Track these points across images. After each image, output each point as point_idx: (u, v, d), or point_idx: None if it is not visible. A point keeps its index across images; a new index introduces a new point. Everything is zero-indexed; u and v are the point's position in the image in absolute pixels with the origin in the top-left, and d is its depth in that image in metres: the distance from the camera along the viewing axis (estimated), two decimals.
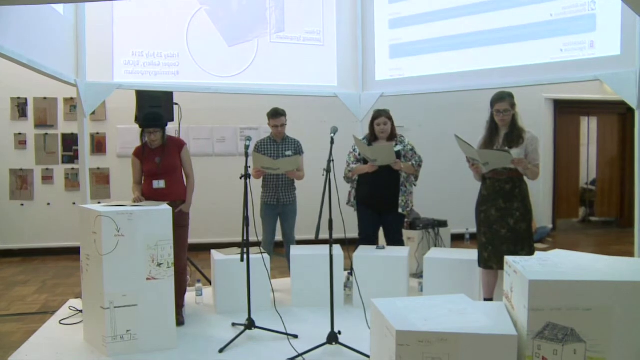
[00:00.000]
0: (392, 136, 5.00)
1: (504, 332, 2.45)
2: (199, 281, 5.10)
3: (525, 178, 4.15)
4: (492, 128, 4.23)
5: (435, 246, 6.16)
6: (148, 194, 4.44)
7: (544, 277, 2.43)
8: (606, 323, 2.39)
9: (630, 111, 4.63)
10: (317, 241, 3.78)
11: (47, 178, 7.57)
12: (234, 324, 4.36)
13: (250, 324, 4.09)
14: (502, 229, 4.11)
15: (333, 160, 3.76)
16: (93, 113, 5.39)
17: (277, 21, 5.78)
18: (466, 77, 5.48)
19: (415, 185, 5.07)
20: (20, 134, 7.50)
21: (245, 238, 4.05)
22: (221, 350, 3.83)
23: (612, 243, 8.34)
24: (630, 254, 4.58)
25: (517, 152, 4.04)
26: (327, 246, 3.79)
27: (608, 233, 9.42)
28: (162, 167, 4.43)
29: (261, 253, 4.51)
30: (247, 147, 4.23)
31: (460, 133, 4.06)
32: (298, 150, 5.23)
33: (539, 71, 5.08)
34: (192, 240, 4.74)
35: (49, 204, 7.58)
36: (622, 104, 4.99)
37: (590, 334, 2.40)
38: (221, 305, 4.71)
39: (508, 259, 2.75)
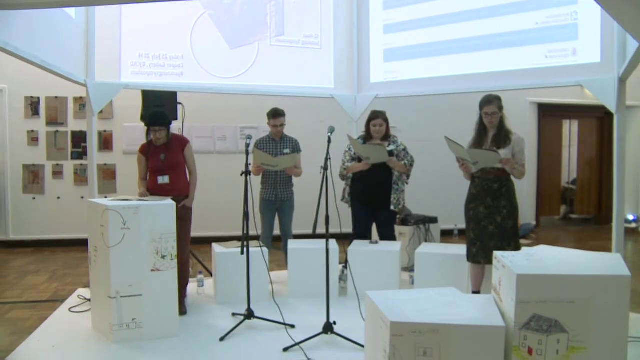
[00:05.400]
0: (387, 136, 4.97)
1: (492, 323, 2.43)
2: (200, 273, 5.06)
3: (512, 177, 4.14)
4: (481, 129, 4.21)
5: (426, 241, 6.14)
6: (153, 189, 4.41)
7: (531, 272, 2.42)
8: (587, 314, 2.39)
9: (608, 115, 4.64)
10: (313, 235, 3.76)
11: (58, 173, 7.52)
12: (233, 314, 4.33)
13: (250, 314, 4.06)
14: (489, 225, 4.10)
15: (330, 159, 3.73)
16: (101, 112, 5.36)
17: (277, 25, 5.75)
18: (456, 81, 5.45)
19: (407, 184, 5.04)
20: (32, 131, 7.46)
21: (245, 232, 4.02)
22: (222, 339, 3.81)
23: (590, 239, 8.35)
24: (606, 249, 4.59)
25: (505, 152, 4.02)
26: (323, 240, 3.77)
27: (586, 229, 9.44)
28: (166, 163, 4.40)
29: (260, 246, 4.48)
30: (247, 146, 4.19)
31: (450, 134, 4.04)
32: (296, 149, 5.20)
33: (524, 76, 5.06)
34: (194, 233, 4.70)
35: (59, 197, 7.54)
36: (601, 108, 5.00)
37: (573, 325, 2.39)
38: (221, 296, 4.68)
39: (497, 254, 2.73)
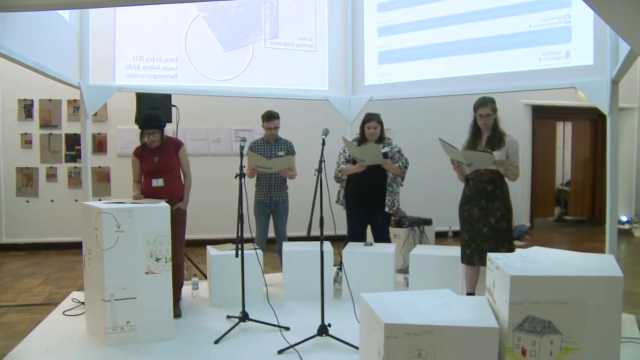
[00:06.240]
0: (381, 139, 4.98)
1: (486, 324, 2.44)
2: (195, 275, 5.06)
3: (505, 179, 4.15)
4: (475, 131, 4.22)
5: (421, 243, 6.14)
6: (147, 192, 4.41)
7: (524, 273, 2.43)
8: (581, 315, 2.39)
9: (601, 117, 4.66)
10: (307, 238, 3.76)
11: (51, 176, 7.50)
12: (228, 317, 4.32)
13: (244, 317, 4.06)
14: (483, 227, 4.11)
15: (324, 161, 3.73)
16: (95, 114, 5.34)
17: (271, 28, 5.75)
18: (450, 83, 5.46)
19: (401, 186, 5.05)
20: (26, 133, 7.44)
21: (239, 234, 4.02)
22: (216, 341, 3.80)
23: (584, 240, 8.37)
24: (599, 250, 4.61)
25: (499, 154, 4.03)
26: (318, 242, 3.77)
27: (580, 231, 9.47)
28: (160, 166, 4.40)
29: (255, 249, 4.48)
30: (242, 148, 4.19)
31: (445, 136, 4.05)
32: (290, 151, 5.20)
33: (518, 78, 5.09)
34: (188, 236, 4.70)
35: (52, 200, 7.52)
36: (594, 110, 5.01)
37: (566, 326, 2.40)
38: (216, 299, 4.67)
39: (491, 255, 2.74)
